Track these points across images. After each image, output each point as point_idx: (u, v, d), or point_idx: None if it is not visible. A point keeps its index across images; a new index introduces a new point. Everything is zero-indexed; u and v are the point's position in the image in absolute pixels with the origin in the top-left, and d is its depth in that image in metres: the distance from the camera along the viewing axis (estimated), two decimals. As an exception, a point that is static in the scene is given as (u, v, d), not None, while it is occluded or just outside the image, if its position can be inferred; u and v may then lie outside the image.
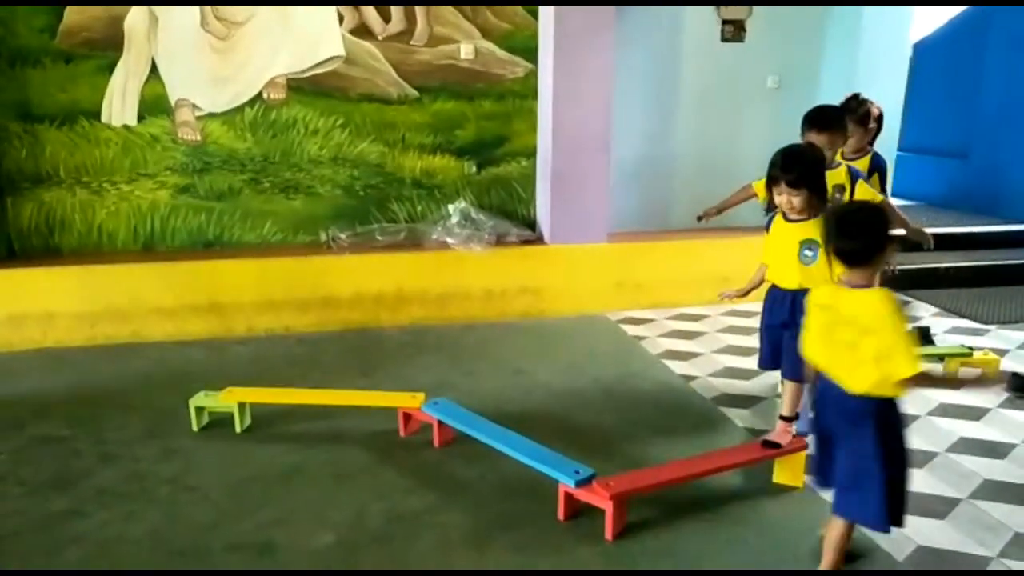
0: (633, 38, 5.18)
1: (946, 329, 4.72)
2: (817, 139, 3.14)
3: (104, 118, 4.54)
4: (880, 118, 3.92)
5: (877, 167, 3.85)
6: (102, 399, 3.60)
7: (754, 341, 3.29)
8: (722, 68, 5.46)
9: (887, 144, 5.53)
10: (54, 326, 4.31)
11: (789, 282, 2.78)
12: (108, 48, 4.46)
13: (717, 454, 2.80)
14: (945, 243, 6.14)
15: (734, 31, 5.45)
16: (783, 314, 2.81)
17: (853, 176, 3.29)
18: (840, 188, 3.26)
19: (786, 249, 2.76)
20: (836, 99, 5.62)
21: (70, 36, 4.40)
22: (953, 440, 3.21)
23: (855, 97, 3.96)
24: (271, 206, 4.89)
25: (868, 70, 5.41)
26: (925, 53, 7.80)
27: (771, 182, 2.72)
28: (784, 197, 2.70)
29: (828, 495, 2.74)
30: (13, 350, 4.25)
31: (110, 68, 4.49)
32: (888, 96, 5.49)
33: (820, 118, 3.24)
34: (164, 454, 3.06)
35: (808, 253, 2.71)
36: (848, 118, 3.53)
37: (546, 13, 4.76)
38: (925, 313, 5.10)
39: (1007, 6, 6.91)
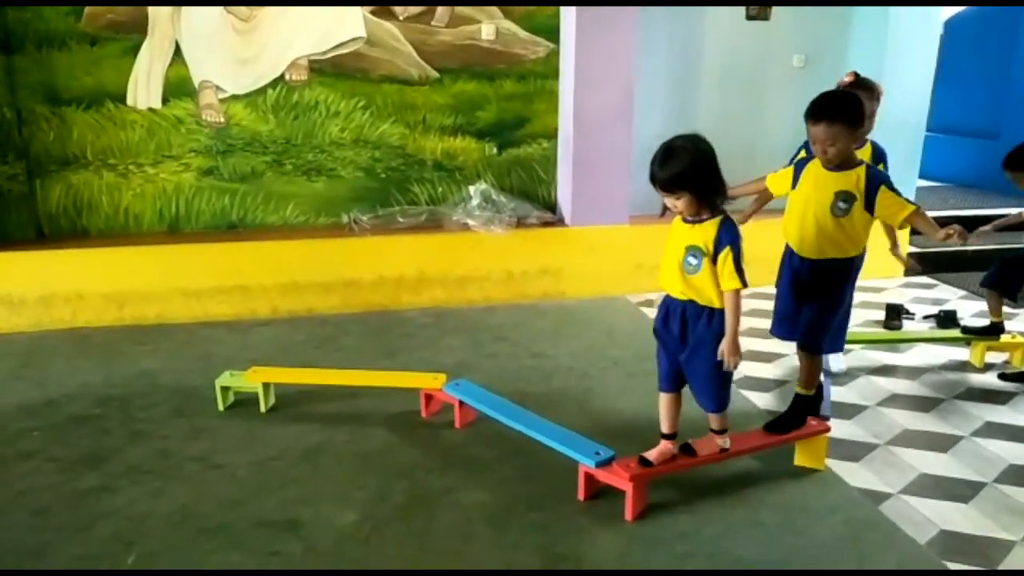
0: (656, 17, 5.11)
1: (973, 312, 4.65)
2: (816, 132, 2.62)
3: (129, 101, 4.59)
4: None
5: (880, 158, 3.32)
6: (131, 379, 3.66)
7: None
8: (747, 47, 5.37)
9: (916, 125, 5.44)
10: (83, 307, 4.39)
11: (674, 290, 2.44)
12: (133, 30, 4.50)
13: (737, 436, 2.79)
14: (971, 225, 6.05)
15: (759, 9, 5.35)
16: (675, 328, 2.46)
17: (874, 181, 2.65)
18: (847, 196, 2.66)
19: (672, 253, 2.41)
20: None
21: (95, 18, 4.43)
22: (978, 424, 3.18)
23: (857, 76, 3.35)
24: (293, 188, 4.92)
25: (897, 48, 5.29)
26: (956, 31, 7.62)
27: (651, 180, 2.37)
28: (669, 199, 2.36)
29: (851, 478, 2.74)
30: (43, 329, 4.34)
31: (135, 51, 4.52)
32: (918, 75, 5.39)
33: (820, 106, 2.61)
34: (191, 433, 3.11)
35: (692, 261, 2.35)
36: (879, 96, 3.22)
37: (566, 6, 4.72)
38: (952, 296, 5.03)
39: (1012, 6, 6.73)
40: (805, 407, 2.86)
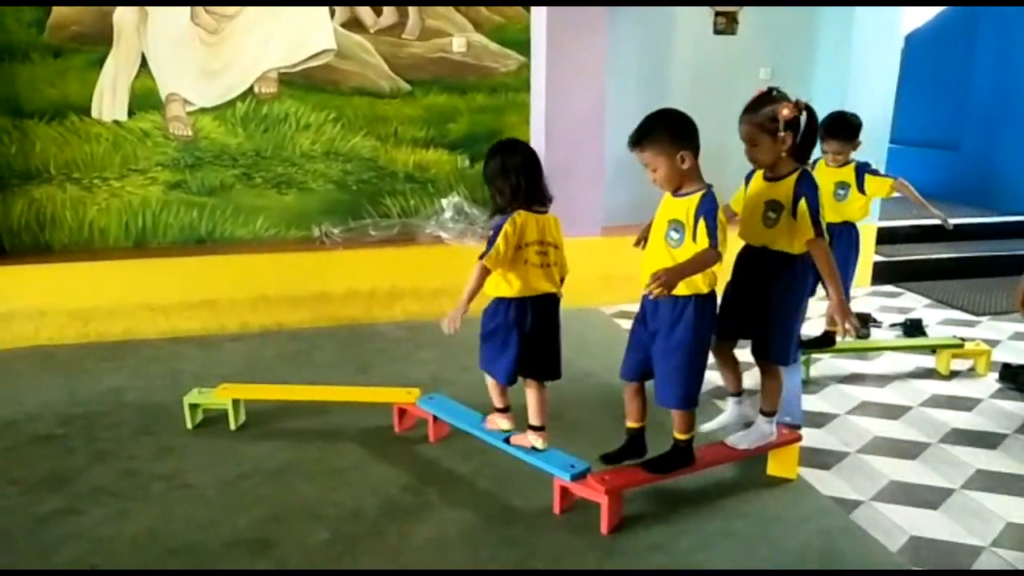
0: (625, 30, 5.17)
1: (938, 320, 4.74)
2: (639, 160, 2.44)
3: (94, 113, 4.51)
4: (811, 127, 2.66)
5: (804, 194, 2.53)
6: (95, 397, 3.58)
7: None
8: (714, 60, 5.45)
9: (880, 137, 5.55)
10: (46, 323, 4.29)
11: None
12: (98, 42, 4.43)
13: (710, 447, 2.81)
14: (936, 235, 6.19)
15: (727, 23, 5.44)
16: None
17: (700, 209, 2.30)
18: (677, 226, 2.35)
19: None
20: (828, 91, 5.60)
21: (59, 30, 4.36)
22: (945, 431, 3.23)
23: (768, 92, 2.78)
24: (263, 201, 4.87)
25: (860, 61, 5.41)
26: (917, 45, 7.81)
27: None
28: None
29: (823, 486, 2.77)
30: (5, 348, 4.22)
31: (100, 62, 4.45)
32: (880, 88, 5.49)
33: (631, 136, 2.44)
34: (158, 452, 3.05)
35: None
36: (751, 121, 2.66)
37: (539, 6, 4.75)
38: (917, 304, 5.13)
39: (997, 5, 6.94)
40: (683, 453, 2.59)
